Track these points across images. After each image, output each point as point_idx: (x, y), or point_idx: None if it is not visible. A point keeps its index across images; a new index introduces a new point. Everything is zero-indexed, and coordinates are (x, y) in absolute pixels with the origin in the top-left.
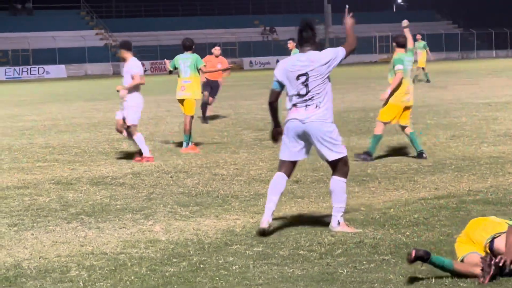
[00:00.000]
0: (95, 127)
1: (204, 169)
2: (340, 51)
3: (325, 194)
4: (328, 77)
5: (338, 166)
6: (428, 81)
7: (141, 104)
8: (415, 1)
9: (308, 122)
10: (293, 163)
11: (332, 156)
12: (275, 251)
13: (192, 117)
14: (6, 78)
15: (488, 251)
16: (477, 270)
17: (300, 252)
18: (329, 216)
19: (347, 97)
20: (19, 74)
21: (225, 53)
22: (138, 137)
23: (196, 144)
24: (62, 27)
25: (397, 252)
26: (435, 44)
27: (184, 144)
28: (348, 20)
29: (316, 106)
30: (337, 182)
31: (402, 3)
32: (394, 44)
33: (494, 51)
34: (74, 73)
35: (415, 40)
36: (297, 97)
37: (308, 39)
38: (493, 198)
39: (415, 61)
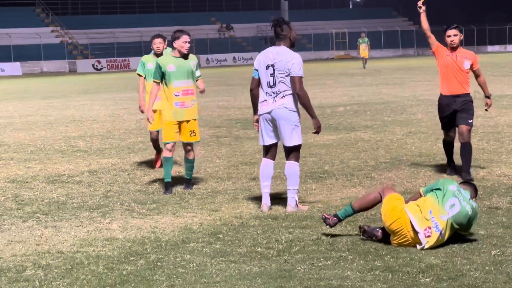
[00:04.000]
0: (51, 125)
1: (161, 167)
2: (297, 75)
3: (283, 191)
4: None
5: (294, 153)
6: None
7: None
8: None
9: (275, 109)
10: (274, 146)
11: (291, 143)
12: (232, 248)
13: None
14: None
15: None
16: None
17: (257, 250)
18: (287, 213)
19: None
20: None
21: None
22: None
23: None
24: (17, 24)
25: (354, 249)
26: (391, 41)
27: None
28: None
29: (283, 97)
30: (293, 166)
31: (359, 0)
32: None
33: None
34: (29, 71)
35: (359, 36)
36: (267, 87)
37: (278, 35)
38: None
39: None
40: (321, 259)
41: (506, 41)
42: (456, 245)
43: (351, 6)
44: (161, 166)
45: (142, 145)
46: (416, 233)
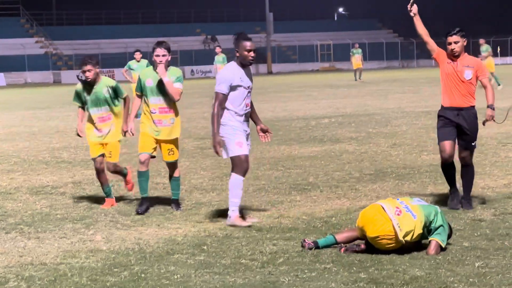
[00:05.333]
0: (35, 136)
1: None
2: (215, 91)
3: (266, 203)
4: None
5: (232, 165)
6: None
7: None
8: (357, 10)
9: None
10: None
11: (224, 155)
12: (216, 260)
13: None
14: None
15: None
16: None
17: (242, 261)
18: (272, 225)
19: (289, 106)
20: None
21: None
22: None
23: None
24: (1, 34)
25: (339, 261)
26: (376, 53)
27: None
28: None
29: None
30: (231, 177)
31: (344, 12)
32: None
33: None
34: (13, 81)
35: (353, 47)
36: None
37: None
38: None
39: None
40: (306, 271)
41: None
42: (440, 257)
43: (336, 18)
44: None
45: (126, 157)
46: (389, 217)
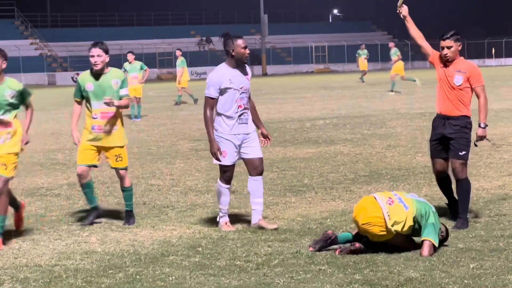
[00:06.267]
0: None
1: (140, 179)
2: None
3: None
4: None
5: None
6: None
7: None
8: (352, 12)
9: None
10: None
11: None
12: (211, 261)
13: None
14: None
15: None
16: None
17: (236, 263)
18: (266, 224)
19: (284, 108)
20: None
21: (161, 63)
22: None
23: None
24: None
25: (334, 262)
26: (371, 55)
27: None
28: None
29: None
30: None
31: (339, 14)
32: None
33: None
34: None
35: (359, 48)
36: None
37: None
38: None
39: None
40: (300, 272)
41: (485, 55)
42: (434, 258)
43: (330, 20)
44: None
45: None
46: (379, 206)
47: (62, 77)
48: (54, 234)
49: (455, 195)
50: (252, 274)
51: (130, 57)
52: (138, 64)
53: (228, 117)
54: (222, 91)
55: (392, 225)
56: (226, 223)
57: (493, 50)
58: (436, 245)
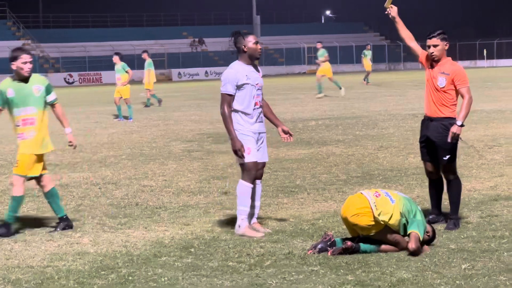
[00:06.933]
0: None
1: (133, 180)
2: (221, 92)
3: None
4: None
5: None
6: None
7: None
8: (344, 13)
9: None
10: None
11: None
12: (204, 262)
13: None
14: None
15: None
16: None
17: (229, 264)
18: (260, 227)
19: (276, 109)
20: None
21: (154, 64)
22: None
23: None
24: None
25: (326, 263)
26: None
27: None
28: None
29: None
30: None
31: (331, 15)
32: None
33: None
34: None
35: (364, 48)
36: None
37: (237, 49)
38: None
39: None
40: (293, 273)
41: (476, 56)
42: (427, 259)
43: (323, 21)
44: None
45: (113, 159)
46: (366, 198)
47: (54, 78)
48: (46, 235)
49: (437, 208)
50: (245, 275)
51: (115, 58)
52: (123, 66)
53: (246, 114)
54: (239, 87)
55: (379, 215)
56: (249, 227)
57: (485, 52)
58: (421, 238)
